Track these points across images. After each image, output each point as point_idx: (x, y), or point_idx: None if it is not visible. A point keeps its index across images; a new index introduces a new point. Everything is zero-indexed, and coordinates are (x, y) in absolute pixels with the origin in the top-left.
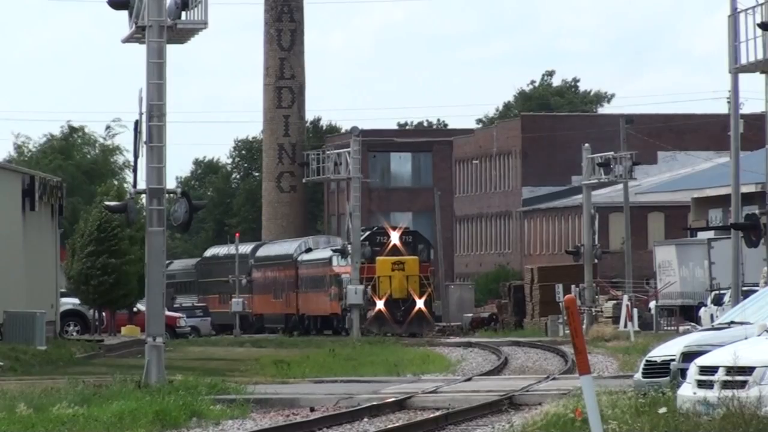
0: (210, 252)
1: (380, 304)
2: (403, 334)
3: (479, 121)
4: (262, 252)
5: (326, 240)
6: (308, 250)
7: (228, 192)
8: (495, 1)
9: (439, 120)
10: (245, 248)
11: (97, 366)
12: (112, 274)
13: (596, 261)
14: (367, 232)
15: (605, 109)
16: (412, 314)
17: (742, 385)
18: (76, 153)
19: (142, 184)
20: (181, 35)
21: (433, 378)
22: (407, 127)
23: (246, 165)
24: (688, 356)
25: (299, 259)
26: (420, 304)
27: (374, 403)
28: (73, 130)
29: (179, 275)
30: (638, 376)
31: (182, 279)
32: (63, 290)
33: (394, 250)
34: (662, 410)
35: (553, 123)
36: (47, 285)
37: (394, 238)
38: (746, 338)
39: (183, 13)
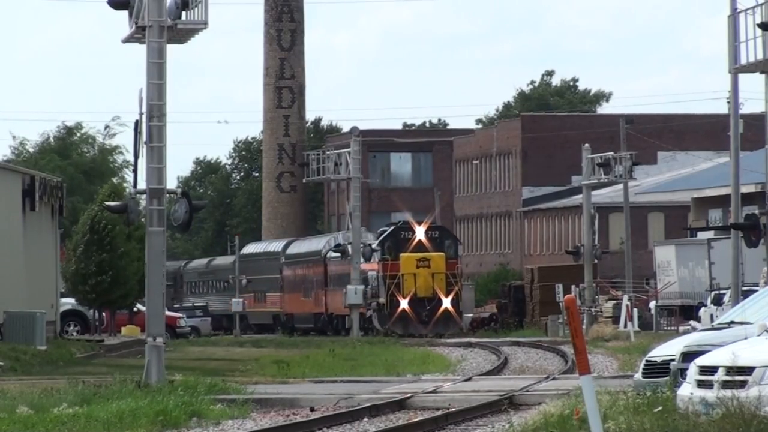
0: (247, 249)
1: (404, 304)
2: (428, 335)
3: (479, 121)
4: (293, 249)
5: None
6: (338, 246)
7: (228, 192)
8: (494, 2)
9: (440, 120)
10: (277, 245)
11: (97, 366)
12: (109, 272)
13: (596, 261)
14: (391, 227)
15: (604, 109)
16: (438, 314)
17: (742, 385)
18: (74, 153)
19: (142, 184)
20: (181, 35)
21: (433, 378)
22: (407, 127)
23: (246, 165)
24: (688, 356)
25: (328, 256)
26: (446, 303)
27: (374, 403)
28: (69, 130)
29: (219, 272)
30: (638, 376)
31: (222, 277)
32: (63, 290)
33: (420, 246)
34: (657, 409)
35: (553, 123)
36: (47, 285)
37: (420, 233)
38: (746, 338)
39: (183, 13)
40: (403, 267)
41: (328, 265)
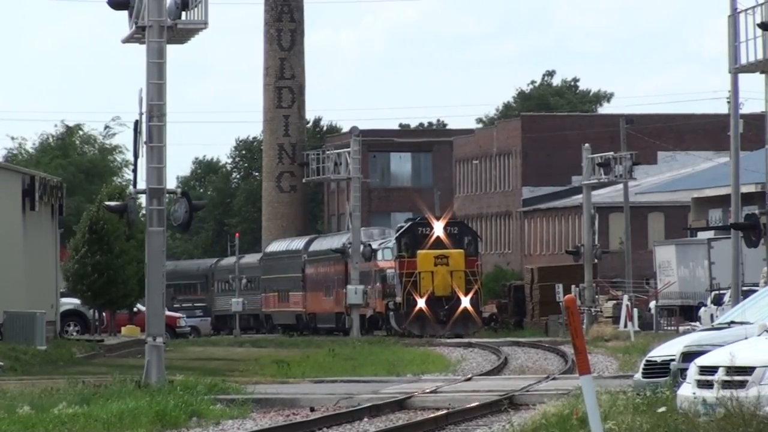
0: (270, 247)
1: (421, 303)
2: (446, 336)
3: (479, 121)
4: (315, 246)
5: (380, 232)
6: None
7: (228, 192)
8: (494, 2)
9: (439, 121)
10: (299, 243)
11: (97, 366)
12: (104, 273)
13: (596, 261)
14: (408, 223)
15: (605, 109)
16: (457, 314)
17: (742, 385)
18: (74, 153)
19: (142, 184)
20: (181, 35)
21: (433, 378)
22: (404, 127)
23: (246, 165)
24: (688, 356)
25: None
26: (465, 302)
27: (374, 403)
28: (69, 130)
29: (248, 271)
30: (638, 376)
31: (251, 274)
32: (63, 290)
33: (438, 243)
34: (661, 409)
35: (553, 123)
36: (47, 285)
37: (438, 229)
38: (746, 338)
39: (183, 13)
40: (420, 264)
41: (349, 262)
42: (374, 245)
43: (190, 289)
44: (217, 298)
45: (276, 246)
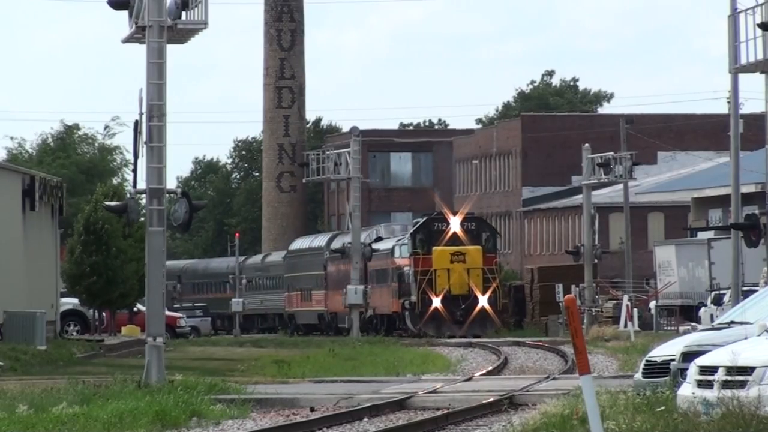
0: (295, 244)
1: (437, 302)
2: (464, 336)
3: (479, 121)
4: (336, 243)
5: (402, 228)
6: (378, 240)
7: (228, 192)
8: (494, 3)
9: (440, 120)
10: (321, 240)
11: (97, 366)
12: (103, 273)
13: (596, 261)
14: (424, 218)
15: (605, 109)
16: (474, 313)
17: (742, 385)
18: (73, 152)
19: (142, 184)
20: (181, 35)
21: (433, 378)
22: (407, 127)
23: (246, 165)
24: (688, 356)
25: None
26: (483, 301)
27: (374, 403)
28: (69, 129)
29: (273, 269)
30: (638, 376)
31: (275, 273)
32: (63, 290)
33: (454, 239)
34: (660, 408)
35: (553, 123)
36: (47, 285)
37: (454, 224)
38: (746, 338)
39: (183, 13)
40: (435, 262)
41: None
42: (392, 242)
43: (219, 287)
44: (245, 297)
45: (299, 243)
